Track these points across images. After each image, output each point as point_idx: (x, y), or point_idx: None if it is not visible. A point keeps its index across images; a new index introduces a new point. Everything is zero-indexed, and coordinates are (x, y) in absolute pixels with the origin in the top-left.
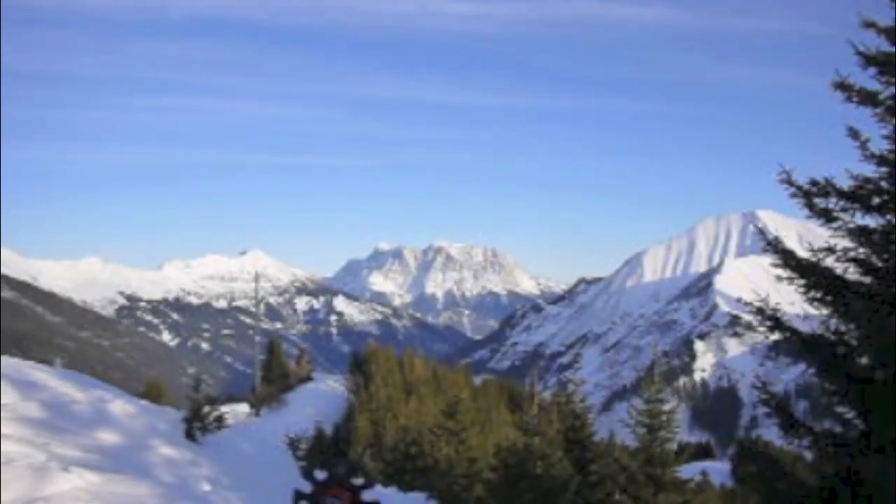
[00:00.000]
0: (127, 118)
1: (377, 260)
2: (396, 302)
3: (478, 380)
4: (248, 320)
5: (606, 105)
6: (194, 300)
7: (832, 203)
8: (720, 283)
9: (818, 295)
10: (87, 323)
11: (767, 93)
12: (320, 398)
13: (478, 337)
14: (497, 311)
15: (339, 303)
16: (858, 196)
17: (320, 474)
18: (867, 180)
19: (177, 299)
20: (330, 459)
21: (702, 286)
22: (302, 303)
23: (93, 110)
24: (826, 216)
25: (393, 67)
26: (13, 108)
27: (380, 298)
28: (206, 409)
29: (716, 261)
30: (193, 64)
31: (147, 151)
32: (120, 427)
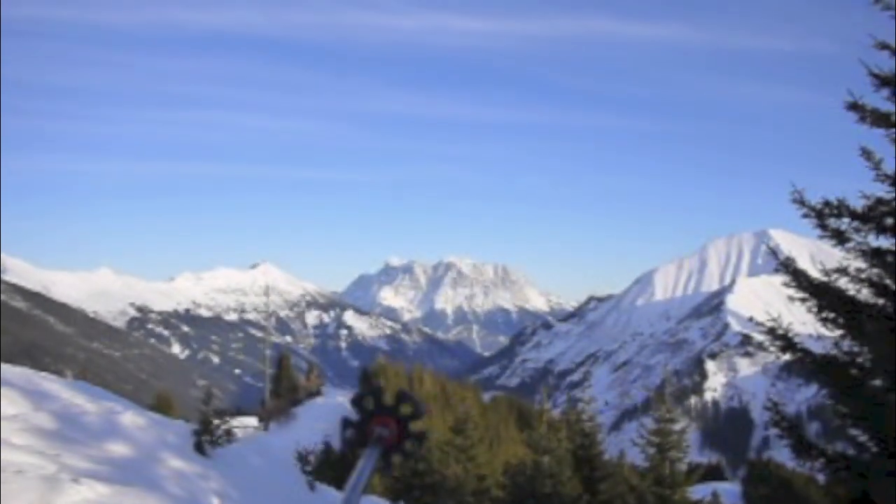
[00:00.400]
0: (141, 131)
1: (388, 275)
2: (406, 317)
3: (487, 396)
4: (258, 333)
5: (618, 123)
6: (205, 313)
7: (845, 223)
8: (732, 302)
9: (831, 316)
10: (98, 334)
11: (780, 112)
12: (329, 412)
13: (487, 353)
14: (507, 327)
15: (349, 317)
16: (871, 217)
17: (369, 403)
18: (880, 201)
19: (187, 311)
20: (377, 389)
21: (713, 305)
22: (312, 317)
23: (107, 123)
24: (839, 237)
25: (405, 83)
26: (29, 120)
27: (390, 313)
28: (216, 422)
29: (727, 280)
30: (207, 78)
31: (160, 164)
32: (130, 439)
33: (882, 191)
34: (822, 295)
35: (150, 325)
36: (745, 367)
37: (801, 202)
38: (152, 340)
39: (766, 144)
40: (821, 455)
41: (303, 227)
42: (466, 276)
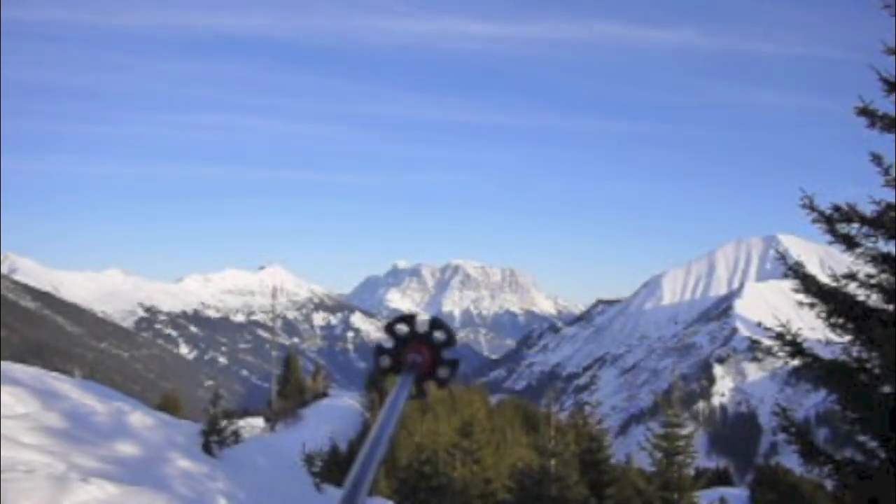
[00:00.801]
0: (151, 133)
1: (395, 277)
2: None
3: (494, 399)
4: (265, 335)
5: (626, 127)
6: (213, 314)
7: (855, 229)
8: (740, 307)
9: (840, 321)
10: (106, 334)
11: (790, 117)
12: (335, 414)
13: (494, 356)
14: (514, 330)
15: (357, 319)
16: (881, 222)
17: (402, 330)
18: (890, 206)
19: (195, 312)
20: (410, 316)
21: (721, 310)
22: (319, 318)
23: (118, 125)
24: (848, 242)
25: (413, 88)
26: (40, 122)
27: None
28: (223, 423)
29: (736, 284)
30: (217, 81)
31: (170, 166)
32: (139, 439)
33: (892, 196)
34: (831, 300)
35: (158, 326)
36: (754, 371)
37: (811, 207)
38: (160, 341)
39: (775, 149)
40: (829, 461)
41: (311, 229)
42: (474, 279)
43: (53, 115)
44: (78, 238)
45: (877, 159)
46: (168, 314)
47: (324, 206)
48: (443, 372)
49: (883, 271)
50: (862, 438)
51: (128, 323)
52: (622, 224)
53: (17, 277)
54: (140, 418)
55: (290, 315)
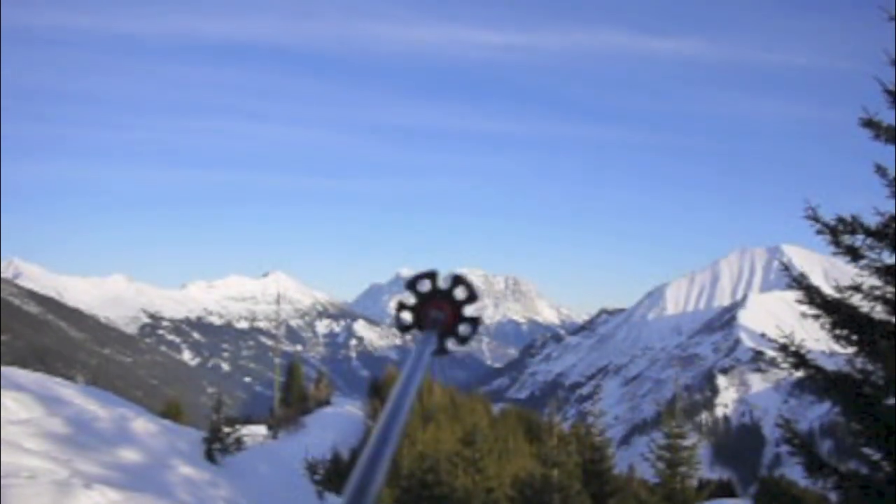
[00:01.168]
0: (155, 139)
1: (399, 285)
2: None
3: (496, 408)
4: (268, 342)
5: (631, 136)
6: (216, 320)
7: (859, 240)
8: (744, 317)
9: (844, 333)
10: (110, 340)
11: (794, 128)
12: (338, 422)
13: (497, 365)
14: (517, 339)
15: (360, 327)
16: (886, 234)
17: (424, 286)
18: (894, 218)
19: (199, 319)
20: (433, 273)
21: (725, 320)
22: (322, 326)
23: (122, 131)
24: (852, 253)
25: (418, 95)
26: (44, 127)
27: None
28: (226, 430)
29: (739, 295)
30: (220, 87)
31: (174, 172)
32: (142, 445)
33: None
34: (835, 312)
35: (161, 332)
36: (757, 382)
37: (815, 218)
38: (163, 347)
39: (780, 159)
40: (833, 473)
41: (315, 236)
42: (477, 288)
43: (57, 120)
44: (82, 243)
45: (881, 171)
46: (171, 320)
47: (327, 213)
48: (464, 329)
49: (887, 283)
50: (866, 451)
51: (131, 329)
52: (626, 233)
53: (21, 282)
54: (143, 425)
55: (294, 322)
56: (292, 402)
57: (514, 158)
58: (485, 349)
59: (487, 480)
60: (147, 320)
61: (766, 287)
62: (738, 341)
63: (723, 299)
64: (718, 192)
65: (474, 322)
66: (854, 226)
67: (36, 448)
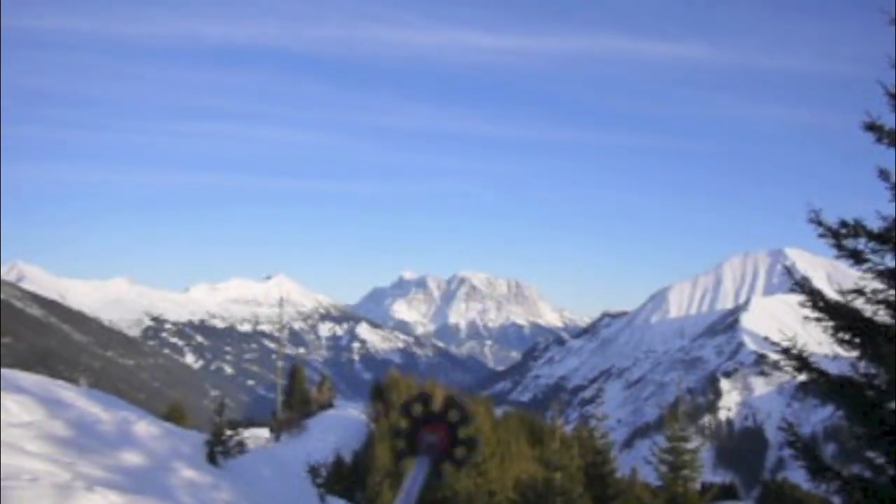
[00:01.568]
0: (158, 142)
1: (401, 288)
2: (419, 331)
3: (499, 411)
4: (271, 345)
5: (634, 140)
6: (219, 323)
7: (862, 244)
8: (747, 321)
9: (847, 337)
10: (112, 343)
11: (797, 131)
12: (340, 425)
13: (500, 368)
14: (520, 342)
15: (362, 330)
16: (889, 237)
17: (417, 409)
18: None
19: (202, 322)
20: (426, 395)
21: (728, 324)
22: (325, 329)
23: (124, 134)
24: (856, 257)
25: (421, 99)
26: (46, 130)
27: (403, 327)
28: (228, 433)
29: (742, 298)
30: (223, 91)
31: (177, 175)
32: (144, 448)
33: None
34: (838, 315)
35: (164, 335)
36: (760, 386)
37: (818, 222)
38: (166, 350)
39: (782, 163)
40: (836, 477)
41: (317, 239)
42: (479, 291)
43: (59, 124)
44: (84, 246)
45: (884, 175)
46: (174, 323)
47: (330, 216)
48: (460, 452)
49: (890, 286)
50: (870, 454)
51: (134, 332)
52: (629, 237)
53: (23, 285)
54: (145, 427)
55: (296, 325)
56: (295, 405)
57: (517, 161)
58: (487, 352)
59: (490, 484)
60: (150, 323)
61: (769, 290)
62: (741, 345)
63: (726, 302)
64: (721, 195)
65: (471, 444)
66: (857, 229)
67: (38, 451)
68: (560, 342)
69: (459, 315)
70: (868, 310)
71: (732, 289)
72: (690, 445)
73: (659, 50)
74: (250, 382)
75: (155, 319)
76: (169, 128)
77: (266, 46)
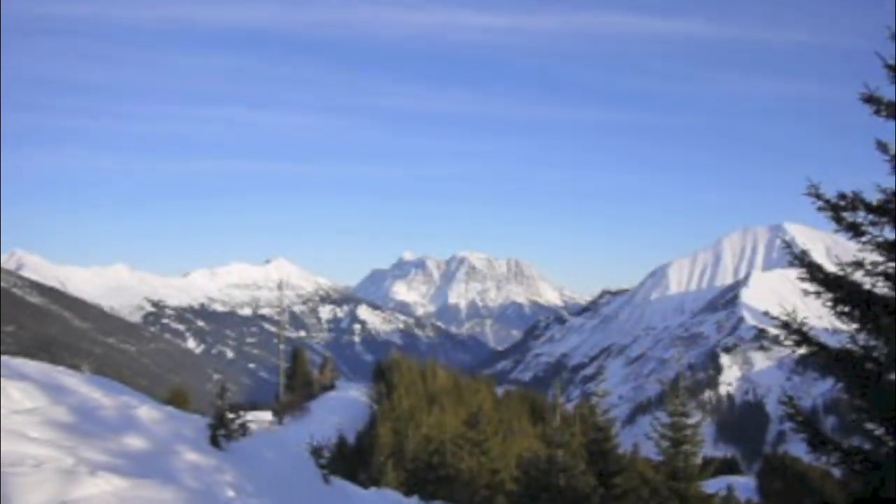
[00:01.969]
0: (155, 128)
1: (401, 269)
2: (419, 312)
3: (500, 391)
4: (272, 328)
5: (632, 117)
6: (219, 308)
7: (861, 217)
8: (746, 296)
9: (846, 309)
10: (113, 329)
11: (795, 105)
12: (343, 406)
13: (500, 347)
14: (520, 321)
15: (363, 312)
16: (887, 210)
17: None
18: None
19: (202, 307)
20: None
21: (728, 299)
22: (325, 311)
23: (122, 120)
24: (854, 230)
25: (419, 79)
26: (44, 117)
27: (403, 308)
28: (231, 416)
29: (742, 274)
30: (220, 75)
31: (174, 161)
32: (146, 432)
33: None
34: (837, 288)
35: (165, 321)
36: (760, 361)
37: (817, 196)
38: (167, 335)
39: (781, 137)
40: (836, 449)
41: (316, 222)
42: (479, 271)
43: (57, 110)
44: (84, 234)
45: (882, 147)
46: (175, 309)
47: (329, 199)
48: None
49: (889, 259)
50: (869, 426)
51: (135, 318)
52: (628, 214)
53: (23, 273)
54: (147, 412)
55: (297, 308)
56: (297, 388)
57: (516, 141)
58: (488, 332)
59: (492, 462)
60: (150, 309)
61: (768, 265)
62: (741, 320)
63: (725, 278)
64: (720, 171)
65: None
66: (855, 202)
67: (40, 437)
68: (560, 320)
69: (459, 295)
70: (867, 282)
71: (732, 264)
72: (691, 421)
73: (656, 26)
74: (252, 366)
75: (155, 305)
76: (167, 112)
77: (262, 30)
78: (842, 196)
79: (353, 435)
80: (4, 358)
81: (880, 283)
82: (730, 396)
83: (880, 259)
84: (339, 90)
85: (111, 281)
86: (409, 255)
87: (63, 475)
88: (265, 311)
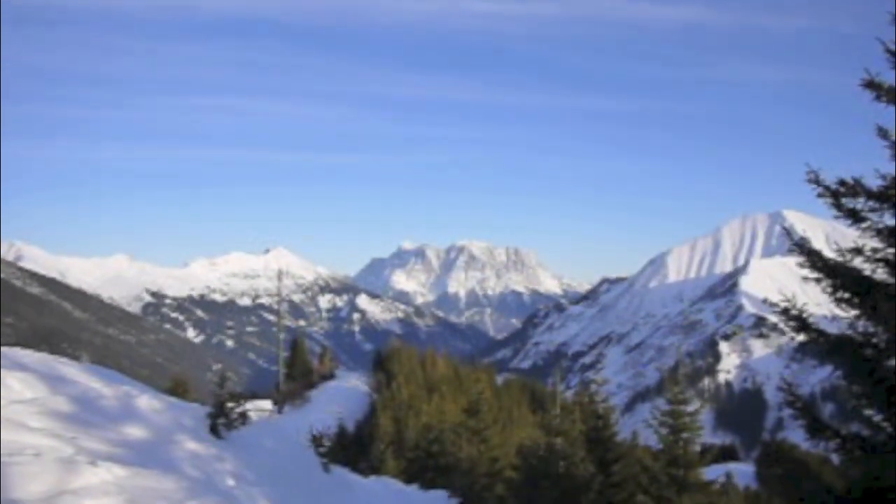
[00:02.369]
0: (154, 118)
1: (400, 258)
2: (419, 300)
3: (500, 379)
4: (271, 318)
5: (632, 104)
6: (219, 297)
7: (860, 203)
8: (746, 283)
9: (846, 296)
10: (113, 319)
11: (795, 91)
12: (343, 396)
13: (500, 336)
14: (519, 310)
15: (362, 301)
16: (887, 196)
17: None
18: None
19: (202, 297)
20: None
21: (727, 287)
22: (325, 301)
23: (120, 110)
24: (854, 216)
25: (418, 67)
26: (43, 107)
27: (402, 297)
28: (231, 405)
29: (741, 261)
30: (219, 64)
31: (173, 151)
32: (146, 422)
33: None
34: (836, 275)
35: (164, 311)
36: (759, 348)
37: (817, 182)
38: (167, 325)
39: (781, 124)
40: (835, 436)
41: (315, 211)
42: (479, 260)
43: (55, 101)
44: (83, 224)
45: (882, 133)
46: (174, 299)
47: (328, 188)
48: None
49: (889, 245)
50: (868, 413)
51: (134, 308)
52: (627, 202)
53: (23, 264)
54: (147, 401)
55: (296, 298)
56: (297, 377)
57: (515, 129)
58: (487, 320)
59: (492, 450)
60: (150, 299)
61: (767, 253)
62: (740, 307)
63: (724, 266)
64: (719, 158)
65: None
66: (856, 188)
67: (40, 426)
68: (560, 309)
69: (459, 284)
70: (867, 268)
71: (731, 252)
72: (690, 408)
73: (656, 13)
74: (251, 355)
75: (155, 295)
76: (165, 103)
77: (261, 18)
78: (842, 182)
79: (353, 424)
80: (4, 349)
81: (880, 270)
82: (728, 384)
83: (880, 245)
84: (339, 78)
85: (111, 271)
86: (408, 244)
87: (63, 465)
88: (264, 300)
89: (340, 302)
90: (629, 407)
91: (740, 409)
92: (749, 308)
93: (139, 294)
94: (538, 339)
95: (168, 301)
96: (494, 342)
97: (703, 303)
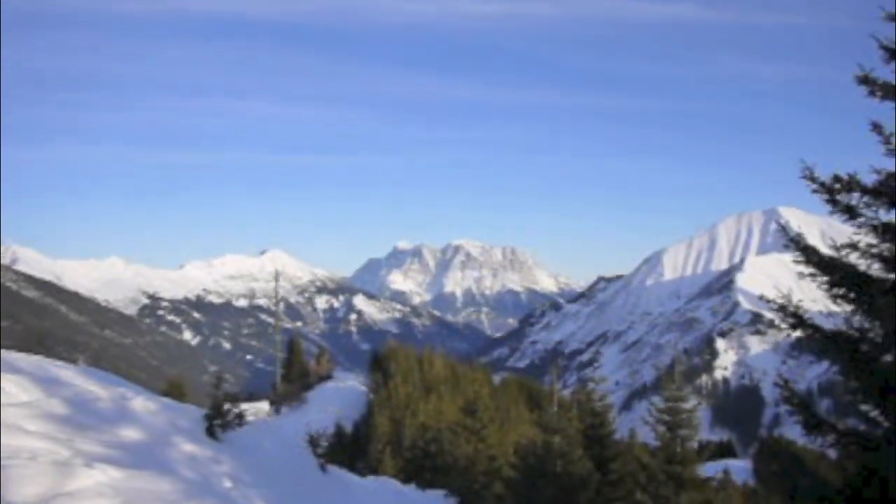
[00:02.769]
0: (149, 120)
1: (396, 259)
2: (416, 300)
3: (497, 378)
4: (268, 319)
5: (627, 103)
6: (215, 299)
7: (855, 199)
8: (742, 280)
9: (841, 292)
10: (109, 322)
11: (790, 88)
12: (340, 396)
13: (497, 335)
14: (516, 309)
15: (359, 301)
16: (882, 192)
17: None
18: (891, 175)
19: (198, 298)
20: None
21: (723, 284)
22: (322, 302)
23: (115, 113)
24: (849, 212)
25: (414, 67)
26: (38, 111)
27: (399, 297)
28: (227, 406)
29: (737, 258)
30: (215, 66)
31: (168, 153)
32: (142, 424)
33: (892, 165)
34: (832, 271)
35: (161, 313)
36: (756, 345)
37: (812, 178)
38: (163, 328)
39: (776, 121)
40: (832, 431)
41: (311, 212)
42: (475, 259)
43: (50, 104)
44: (79, 227)
45: (877, 128)
46: (170, 301)
47: (324, 189)
48: None
49: (884, 240)
50: (864, 408)
51: (130, 310)
52: (622, 200)
53: (18, 268)
54: (143, 403)
55: (293, 299)
56: (294, 379)
57: (510, 128)
58: (484, 319)
59: (489, 449)
60: (146, 301)
61: (763, 250)
62: (736, 304)
63: (720, 263)
64: (715, 155)
65: None
66: (851, 184)
67: (36, 429)
68: (556, 307)
69: (455, 283)
70: (862, 264)
71: (727, 249)
72: (687, 405)
73: (652, 10)
74: (248, 357)
75: (151, 297)
76: (160, 105)
77: (258, 19)
78: (836, 178)
79: (350, 424)
80: None
81: (875, 265)
82: (725, 381)
83: (875, 241)
84: (335, 79)
85: (107, 274)
86: (404, 244)
87: (59, 467)
88: (261, 302)
89: (337, 302)
90: (626, 405)
91: (737, 405)
92: (745, 305)
93: (135, 296)
94: (535, 337)
95: (164, 303)
96: (491, 341)
97: (700, 300)
